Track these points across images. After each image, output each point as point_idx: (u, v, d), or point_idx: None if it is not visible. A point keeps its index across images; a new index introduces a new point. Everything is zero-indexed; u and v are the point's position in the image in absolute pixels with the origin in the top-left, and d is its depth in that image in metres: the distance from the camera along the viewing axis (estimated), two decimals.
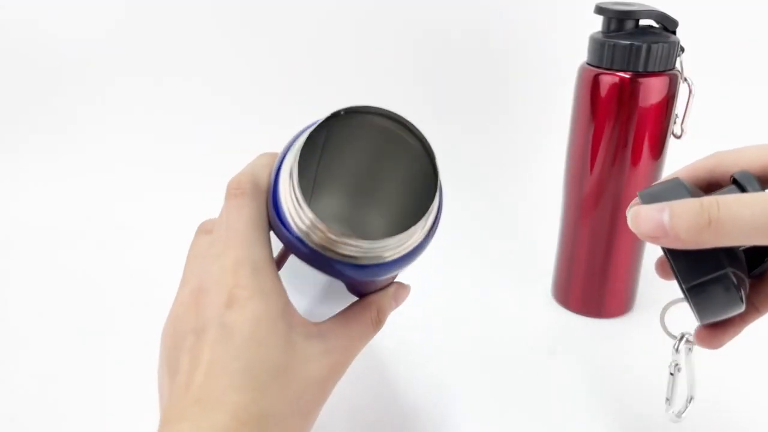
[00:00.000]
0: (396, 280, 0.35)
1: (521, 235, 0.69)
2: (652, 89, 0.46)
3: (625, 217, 0.51)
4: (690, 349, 0.34)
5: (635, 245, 0.53)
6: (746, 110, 0.81)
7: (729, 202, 0.26)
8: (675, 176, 0.32)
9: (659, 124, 0.48)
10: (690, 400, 0.35)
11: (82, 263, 0.64)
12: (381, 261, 0.28)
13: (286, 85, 0.79)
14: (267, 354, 0.26)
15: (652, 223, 0.28)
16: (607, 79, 0.46)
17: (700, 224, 0.26)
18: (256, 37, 0.78)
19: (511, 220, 0.72)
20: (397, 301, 0.34)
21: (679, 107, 0.48)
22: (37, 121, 0.80)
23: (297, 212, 0.27)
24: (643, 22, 0.47)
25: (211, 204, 0.73)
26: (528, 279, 0.61)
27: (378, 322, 0.32)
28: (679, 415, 0.35)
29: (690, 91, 0.47)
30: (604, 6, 0.47)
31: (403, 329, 0.48)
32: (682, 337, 0.34)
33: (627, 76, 0.46)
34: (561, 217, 0.55)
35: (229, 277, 0.27)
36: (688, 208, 0.27)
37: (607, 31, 0.47)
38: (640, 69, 0.45)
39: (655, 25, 0.47)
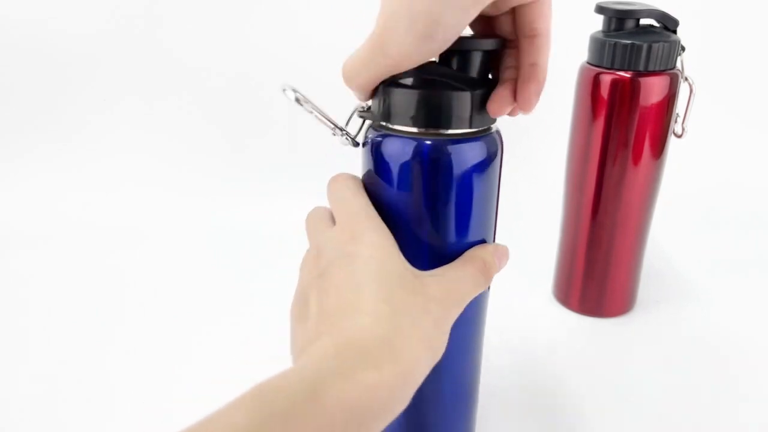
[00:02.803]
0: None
1: (522, 235, 0.68)
2: (653, 88, 0.46)
3: (626, 217, 0.51)
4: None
5: (635, 245, 0.53)
6: (746, 110, 0.81)
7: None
8: None
9: (660, 123, 0.47)
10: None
11: (81, 263, 0.64)
12: (467, 131, 0.30)
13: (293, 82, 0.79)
14: (390, 269, 0.27)
15: None
16: (608, 79, 0.46)
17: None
18: (257, 38, 0.78)
19: (511, 220, 0.72)
20: (499, 258, 0.33)
21: (679, 106, 0.48)
22: (38, 121, 0.80)
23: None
24: (643, 21, 0.47)
25: (217, 206, 0.74)
26: (529, 278, 0.60)
27: (485, 271, 0.31)
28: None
29: (691, 91, 0.47)
30: (604, 5, 0.47)
31: None
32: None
33: (628, 75, 0.46)
34: (561, 217, 0.55)
35: (346, 225, 0.29)
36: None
37: (607, 30, 0.47)
38: (641, 68, 0.45)
39: (655, 24, 0.47)
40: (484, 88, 0.30)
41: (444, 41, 0.26)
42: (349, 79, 0.30)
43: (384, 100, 0.30)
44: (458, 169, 0.30)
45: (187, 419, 0.23)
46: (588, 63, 0.48)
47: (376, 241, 0.28)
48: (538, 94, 0.31)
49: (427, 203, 0.30)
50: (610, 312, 0.55)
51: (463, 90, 0.29)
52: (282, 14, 0.78)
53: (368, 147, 0.32)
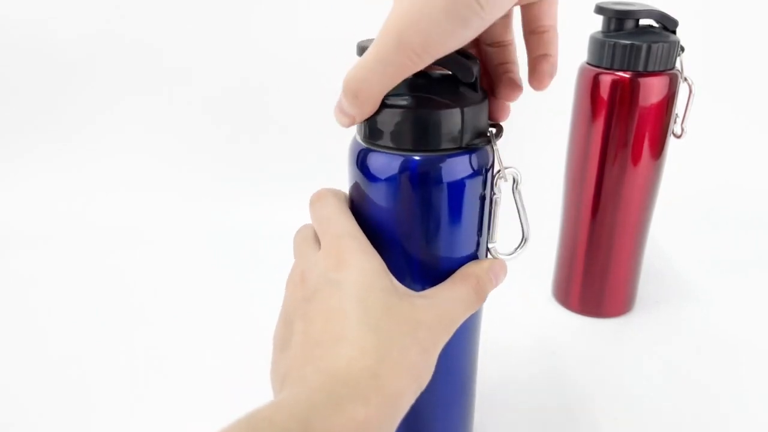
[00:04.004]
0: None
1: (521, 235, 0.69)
2: (652, 89, 0.46)
3: (625, 217, 0.51)
4: (516, 184, 0.32)
5: (635, 245, 0.53)
6: (746, 110, 0.81)
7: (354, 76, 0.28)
8: None
9: (659, 123, 0.48)
10: (523, 241, 0.33)
11: (81, 263, 0.64)
12: (456, 147, 0.29)
13: (292, 87, 0.79)
14: (377, 296, 0.27)
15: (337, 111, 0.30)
16: (608, 79, 0.46)
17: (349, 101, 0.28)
18: (257, 38, 0.78)
19: (511, 220, 0.72)
20: (495, 275, 0.33)
21: (679, 107, 0.48)
22: (37, 121, 0.80)
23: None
24: (643, 21, 0.47)
25: (218, 206, 0.74)
26: (528, 278, 0.60)
27: (479, 290, 0.31)
28: (507, 255, 0.33)
29: (690, 91, 0.47)
30: (604, 6, 0.47)
31: None
32: (500, 171, 0.32)
33: (627, 75, 0.46)
34: (561, 217, 0.55)
35: (332, 249, 0.29)
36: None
37: (607, 30, 0.47)
38: (640, 69, 0.45)
39: (655, 24, 0.47)
40: (475, 101, 0.29)
41: (479, 28, 0.25)
42: (355, 92, 0.28)
43: (369, 119, 0.29)
44: (448, 185, 0.29)
45: (187, 419, 0.23)
46: (587, 63, 0.48)
47: (362, 264, 0.28)
48: (551, 75, 0.32)
49: (416, 219, 0.30)
50: (610, 312, 0.55)
51: (452, 107, 0.28)
52: (282, 15, 0.78)
53: (353, 159, 0.31)
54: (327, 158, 0.63)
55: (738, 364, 0.49)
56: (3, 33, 0.77)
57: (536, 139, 0.77)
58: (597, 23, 0.48)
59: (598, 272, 0.54)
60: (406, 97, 0.29)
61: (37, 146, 0.80)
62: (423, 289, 0.31)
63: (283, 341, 0.28)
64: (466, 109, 0.29)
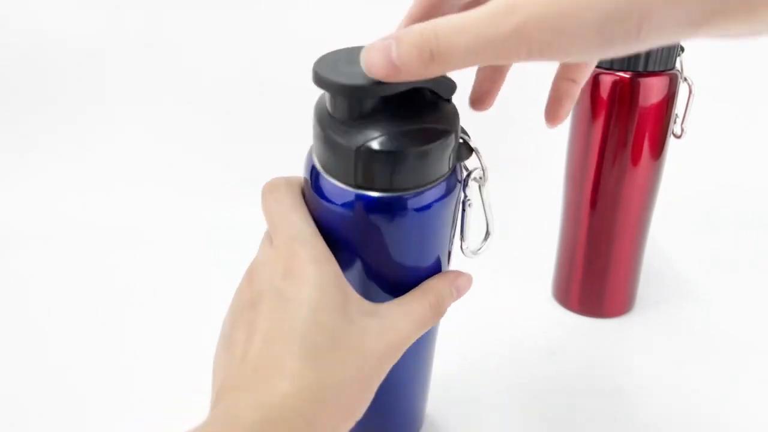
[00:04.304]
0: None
1: (521, 235, 0.69)
2: (652, 89, 0.46)
3: (625, 217, 0.51)
4: (481, 181, 0.31)
5: (635, 245, 0.53)
6: (746, 110, 0.81)
7: (448, 30, 0.22)
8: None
9: (659, 123, 0.48)
10: (486, 236, 0.33)
11: (80, 264, 0.64)
12: (416, 189, 0.28)
13: (291, 87, 0.79)
14: (325, 321, 0.26)
15: (382, 60, 0.23)
16: (607, 79, 0.46)
17: (423, 59, 0.22)
18: (259, 39, 0.78)
19: (511, 220, 0.72)
20: (458, 289, 0.32)
21: (679, 107, 0.48)
22: (37, 122, 0.80)
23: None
24: None
25: (218, 206, 0.74)
26: (528, 278, 0.60)
27: (437, 307, 0.30)
28: (475, 252, 0.33)
29: (690, 91, 0.47)
30: None
31: None
32: (470, 173, 0.30)
33: (627, 75, 0.46)
34: (561, 217, 0.55)
35: (283, 251, 0.27)
36: (411, 40, 0.22)
37: None
38: (640, 69, 0.45)
39: None
40: (450, 129, 0.28)
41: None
42: (433, 42, 0.22)
43: (321, 151, 0.28)
44: (407, 214, 0.28)
45: (187, 419, 0.23)
46: None
47: (313, 277, 0.26)
48: (568, 113, 0.32)
49: (376, 243, 0.29)
50: (610, 312, 0.55)
51: (429, 148, 0.26)
52: (281, 15, 0.78)
53: (307, 170, 0.30)
54: None
55: (738, 364, 0.49)
56: (4, 33, 0.77)
57: (536, 139, 0.77)
58: None
59: (598, 272, 0.54)
60: (379, 136, 0.26)
61: (36, 146, 0.80)
62: (379, 298, 0.30)
63: (226, 343, 0.28)
64: (441, 146, 0.27)
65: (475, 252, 0.33)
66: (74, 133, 0.80)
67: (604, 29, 0.20)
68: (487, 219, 0.33)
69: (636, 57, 0.45)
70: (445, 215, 0.30)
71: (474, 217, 0.32)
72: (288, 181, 0.31)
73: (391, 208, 0.28)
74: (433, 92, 0.28)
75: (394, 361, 0.28)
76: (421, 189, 0.28)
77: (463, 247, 0.33)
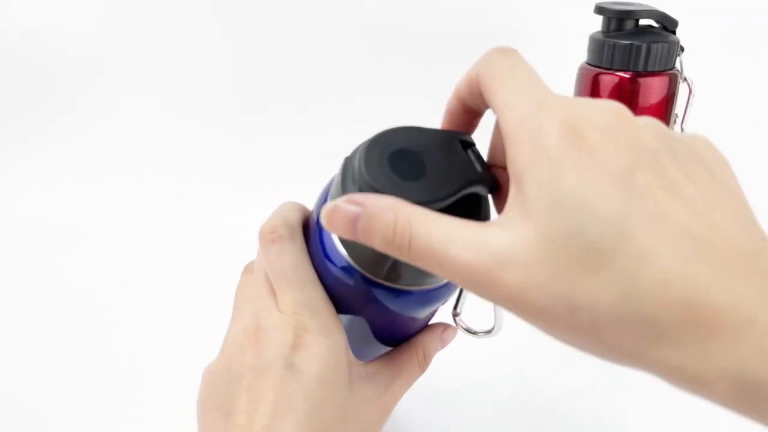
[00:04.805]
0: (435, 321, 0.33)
1: None
2: (652, 89, 0.46)
3: None
4: None
5: None
6: (746, 110, 0.81)
7: (426, 234, 0.20)
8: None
9: None
10: (493, 329, 0.32)
11: (79, 265, 0.64)
12: (425, 287, 0.27)
13: (290, 87, 0.79)
14: (333, 396, 0.26)
15: (344, 228, 0.22)
16: (607, 79, 0.46)
17: (393, 247, 0.21)
18: (258, 40, 0.78)
19: None
20: (444, 342, 0.33)
21: (679, 107, 0.48)
22: (37, 121, 0.80)
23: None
24: (643, 21, 0.47)
25: (212, 206, 0.74)
26: None
27: (423, 363, 0.31)
28: (473, 332, 0.31)
29: (690, 91, 0.47)
30: (604, 6, 0.47)
31: None
32: None
33: (627, 75, 0.46)
34: None
35: (291, 319, 0.27)
36: (382, 223, 0.21)
37: (607, 30, 0.47)
38: (640, 69, 0.45)
39: (655, 24, 0.47)
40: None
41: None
42: (405, 233, 0.21)
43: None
44: (409, 300, 0.27)
45: (187, 419, 0.23)
46: (587, 63, 0.48)
47: (323, 352, 0.26)
48: None
49: (370, 305, 0.28)
50: None
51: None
52: (279, 15, 0.78)
53: (316, 218, 0.28)
54: (330, 158, 0.63)
55: None
56: (4, 32, 0.77)
57: None
58: (597, 23, 0.48)
59: None
60: None
61: (36, 147, 0.80)
62: (371, 348, 0.30)
63: (223, 402, 0.27)
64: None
65: (473, 333, 0.32)
66: (74, 132, 0.80)
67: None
68: (495, 313, 0.31)
69: (636, 57, 0.45)
70: (448, 298, 0.30)
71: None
72: (288, 226, 0.29)
73: (394, 293, 0.27)
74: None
75: (385, 422, 0.29)
76: (430, 287, 0.27)
77: (456, 318, 0.32)
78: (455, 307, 0.31)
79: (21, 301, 0.58)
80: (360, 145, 0.25)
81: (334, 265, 0.27)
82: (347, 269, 0.27)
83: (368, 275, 0.26)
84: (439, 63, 0.79)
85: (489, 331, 0.32)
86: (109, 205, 0.75)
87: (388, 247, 0.21)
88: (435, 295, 0.28)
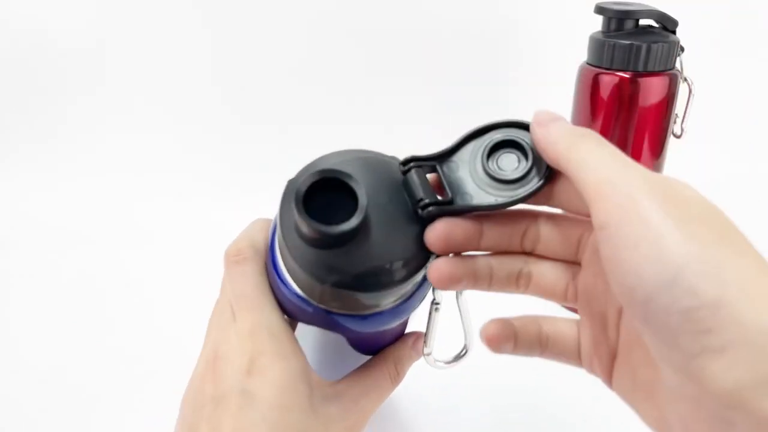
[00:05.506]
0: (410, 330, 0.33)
1: None
2: (652, 89, 0.46)
3: None
4: (459, 292, 0.28)
5: None
6: (746, 110, 0.81)
7: None
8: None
9: (659, 123, 0.48)
10: (464, 351, 0.30)
11: (79, 265, 0.64)
12: (381, 309, 0.26)
13: (288, 89, 0.79)
14: (292, 420, 0.25)
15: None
16: (607, 79, 0.46)
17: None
18: (257, 40, 0.78)
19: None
20: (418, 352, 0.32)
21: (679, 107, 0.48)
22: (38, 123, 0.80)
23: None
24: (643, 21, 0.47)
25: (213, 207, 0.74)
26: None
27: (396, 377, 0.31)
28: (446, 362, 0.30)
29: (690, 91, 0.47)
30: (604, 6, 0.47)
31: None
32: None
33: (627, 75, 0.46)
34: None
35: (247, 343, 0.27)
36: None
37: (607, 30, 0.47)
38: (640, 69, 0.45)
39: (655, 24, 0.47)
40: (412, 274, 0.25)
41: None
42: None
43: (285, 257, 0.26)
44: (369, 322, 0.27)
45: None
46: (587, 63, 0.48)
47: (278, 375, 0.26)
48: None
49: (333, 329, 0.28)
50: None
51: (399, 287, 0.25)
52: (277, 15, 0.78)
53: (271, 246, 0.28)
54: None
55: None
56: (5, 33, 0.77)
57: None
58: (597, 23, 0.48)
59: None
60: (346, 276, 0.24)
61: (36, 147, 0.80)
62: (339, 361, 0.30)
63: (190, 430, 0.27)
64: (410, 281, 0.25)
65: (447, 363, 0.30)
66: (75, 134, 0.80)
67: None
68: (465, 330, 0.30)
69: (636, 57, 0.45)
70: (413, 311, 0.29)
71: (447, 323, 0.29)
72: (254, 247, 0.29)
73: (356, 318, 0.27)
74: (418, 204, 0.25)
75: None
76: (385, 308, 0.27)
77: (426, 354, 0.30)
78: (425, 344, 0.30)
79: (21, 301, 0.58)
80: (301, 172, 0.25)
81: (291, 292, 0.27)
82: (303, 299, 0.26)
83: (322, 306, 0.26)
84: (438, 65, 0.79)
85: (460, 354, 0.31)
86: (110, 206, 0.75)
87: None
88: (396, 312, 0.27)
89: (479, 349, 0.28)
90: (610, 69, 0.46)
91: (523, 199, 0.25)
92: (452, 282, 0.25)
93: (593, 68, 0.47)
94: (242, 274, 0.28)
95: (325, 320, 0.27)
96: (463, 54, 0.78)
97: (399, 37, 0.78)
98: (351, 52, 0.78)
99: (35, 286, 0.60)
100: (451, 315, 0.29)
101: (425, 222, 0.25)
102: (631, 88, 0.46)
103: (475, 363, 0.31)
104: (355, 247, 0.23)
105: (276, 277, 0.27)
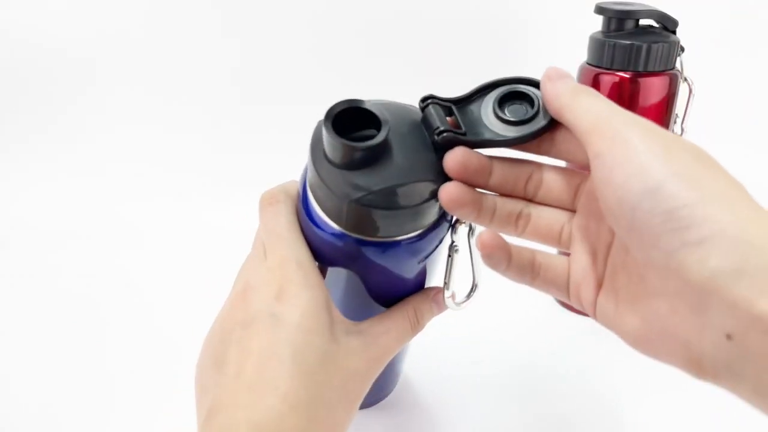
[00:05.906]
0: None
1: None
2: (652, 89, 0.46)
3: None
4: (471, 230, 0.31)
5: None
6: (746, 110, 0.81)
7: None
8: None
9: (659, 123, 0.47)
10: (473, 288, 0.33)
11: (79, 265, 0.64)
12: (400, 238, 0.28)
13: (289, 83, 0.79)
14: (314, 342, 0.27)
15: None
16: (608, 79, 0.46)
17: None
18: (256, 38, 0.78)
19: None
20: (439, 304, 0.33)
21: (679, 107, 0.48)
22: (36, 121, 0.80)
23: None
24: (643, 21, 0.47)
25: (211, 206, 0.74)
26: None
27: (416, 323, 0.32)
28: (459, 304, 0.33)
29: (690, 91, 0.47)
30: (604, 6, 0.47)
31: None
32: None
33: (627, 75, 0.46)
34: None
35: (276, 273, 0.29)
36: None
37: (607, 30, 0.47)
38: (640, 69, 0.45)
39: (655, 24, 0.47)
40: (434, 196, 0.27)
41: None
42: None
43: (314, 187, 0.29)
44: (396, 252, 0.29)
45: (187, 418, 0.23)
46: (587, 63, 0.48)
47: (304, 301, 0.28)
48: None
49: (359, 264, 0.30)
50: None
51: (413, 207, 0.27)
52: (275, 15, 0.78)
53: (302, 187, 0.30)
54: None
55: None
56: (4, 33, 0.77)
57: None
58: (597, 23, 0.48)
59: None
60: (370, 193, 0.26)
61: (36, 147, 0.80)
62: (363, 311, 0.31)
63: (217, 361, 0.28)
64: (432, 204, 0.28)
65: (459, 305, 0.33)
66: (72, 132, 0.80)
67: None
68: (474, 269, 0.32)
69: (636, 57, 0.45)
70: (434, 251, 0.31)
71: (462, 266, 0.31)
72: (287, 193, 0.32)
73: (379, 247, 0.29)
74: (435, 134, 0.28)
75: (377, 374, 0.30)
76: (410, 237, 0.29)
77: (447, 297, 0.33)
78: (446, 286, 0.32)
79: (19, 301, 0.58)
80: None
81: (324, 231, 0.29)
82: (336, 235, 0.28)
83: (347, 233, 0.28)
84: (438, 63, 0.79)
85: (471, 292, 0.33)
86: (108, 205, 0.75)
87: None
88: (413, 249, 0.29)
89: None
90: (611, 69, 0.46)
91: (529, 137, 0.27)
92: (459, 205, 0.27)
93: (593, 68, 0.47)
94: (274, 214, 0.31)
95: (350, 255, 0.29)
96: (464, 54, 0.78)
97: (399, 38, 0.78)
98: (351, 52, 0.78)
99: (30, 287, 0.60)
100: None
101: (441, 151, 0.27)
102: (632, 88, 0.46)
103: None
104: (378, 168, 0.26)
105: (306, 217, 0.29)
